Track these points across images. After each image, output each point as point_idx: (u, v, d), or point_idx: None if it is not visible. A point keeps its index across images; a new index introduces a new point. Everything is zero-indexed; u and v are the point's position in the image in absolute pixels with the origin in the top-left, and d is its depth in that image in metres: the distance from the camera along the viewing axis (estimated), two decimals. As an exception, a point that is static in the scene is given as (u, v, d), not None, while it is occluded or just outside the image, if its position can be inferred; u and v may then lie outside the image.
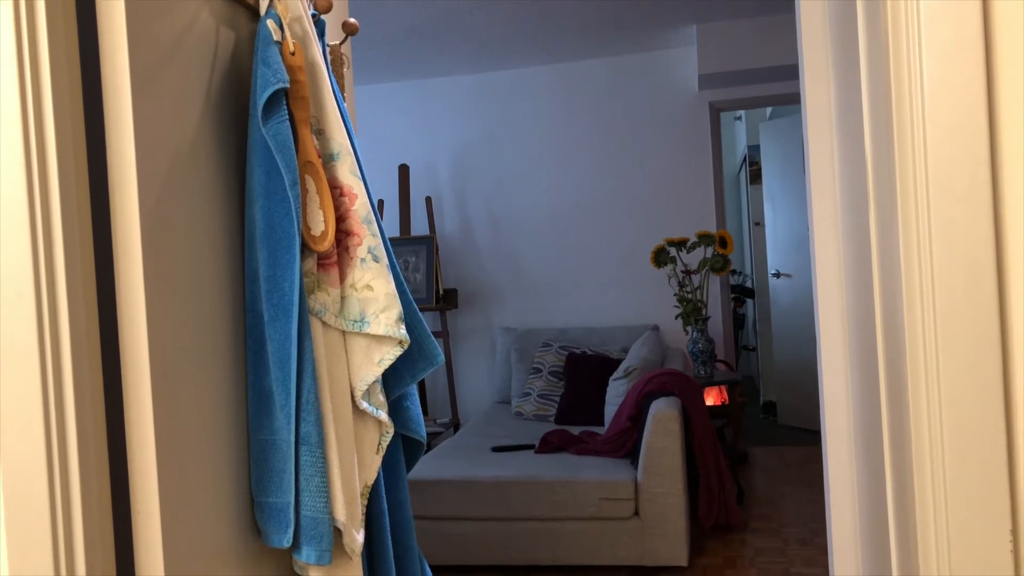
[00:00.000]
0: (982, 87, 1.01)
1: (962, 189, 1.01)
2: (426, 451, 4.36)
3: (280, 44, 1.31)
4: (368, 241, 1.40)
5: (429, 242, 5.04)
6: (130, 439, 1.10)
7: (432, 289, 4.96)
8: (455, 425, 5.10)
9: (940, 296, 1.03)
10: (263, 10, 1.36)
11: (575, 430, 4.26)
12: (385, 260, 1.41)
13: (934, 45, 1.03)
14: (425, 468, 3.61)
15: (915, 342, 1.06)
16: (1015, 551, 1.02)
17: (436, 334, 5.13)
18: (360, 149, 5.88)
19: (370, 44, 4.74)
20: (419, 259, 5.04)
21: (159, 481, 1.10)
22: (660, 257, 4.58)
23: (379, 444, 1.47)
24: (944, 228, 1.03)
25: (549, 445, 3.84)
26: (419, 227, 5.56)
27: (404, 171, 5.23)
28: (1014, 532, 1.01)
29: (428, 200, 5.21)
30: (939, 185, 1.03)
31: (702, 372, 4.48)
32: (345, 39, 1.62)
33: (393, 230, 5.60)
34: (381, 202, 5.34)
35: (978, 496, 1.03)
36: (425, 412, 5.35)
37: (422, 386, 5.34)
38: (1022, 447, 1.03)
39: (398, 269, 1.50)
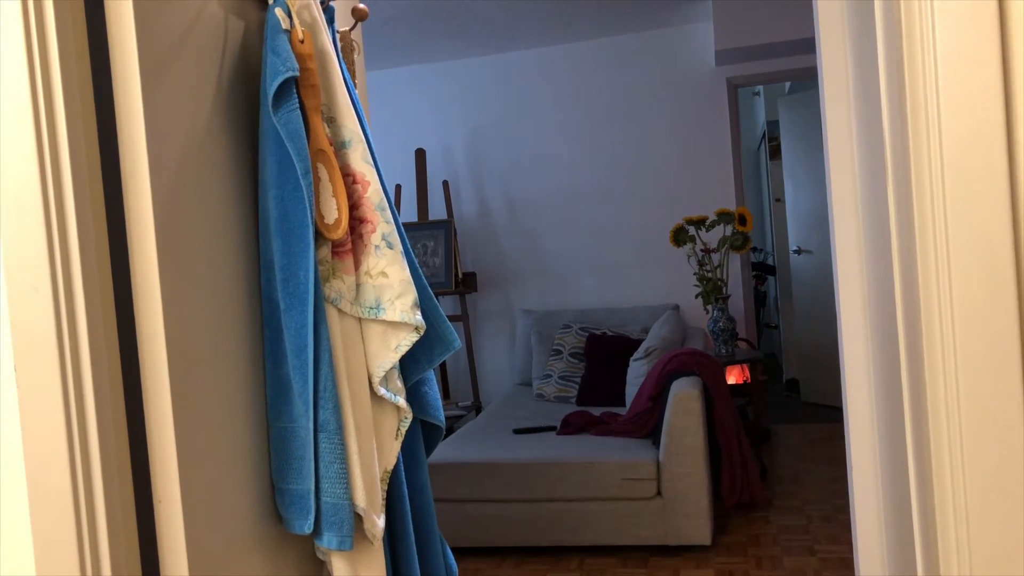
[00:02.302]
0: (997, 57, 0.99)
1: (978, 162, 1.00)
2: (448, 434, 4.38)
3: (289, 32, 1.31)
4: (382, 228, 1.40)
5: (447, 226, 5.04)
6: (150, 430, 1.11)
7: (451, 273, 4.97)
8: (476, 408, 5.12)
9: (956, 271, 1.02)
10: (271, -2, 1.35)
11: (596, 411, 4.26)
12: (399, 246, 1.41)
13: (948, 13, 1.01)
14: (447, 451, 3.63)
15: (931, 318, 1.04)
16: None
17: (456, 318, 5.14)
18: (376, 134, 5.81)
19: (383, 28, 4.72)
20: (437, 243, 5.04)
21: (180, 470, 1.12)
22: (679, 236, 4.55)
23: (398, 429, 1.48)
24: (960, 202, 1.01)
25: (570, 426, 3.84)
26: (437, 211, 5.56)
27: (421, 155, 5.23)
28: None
29: (445, 184, 5.21)
30: (953, 156, 1.01)
31: (723, 351, 4.46)
32: (355, 25, 1.62)
33: (411, 214, 5.60)
34: (399, 187, 5.34)
35: (997, 472, 1.02)
36: (446, 395, 5.37)
37: (443, 369, 5.36)
38: (1045, 423, 1.02)
39: (412, 255, 1.50)
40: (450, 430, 4.72)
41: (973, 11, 1.00)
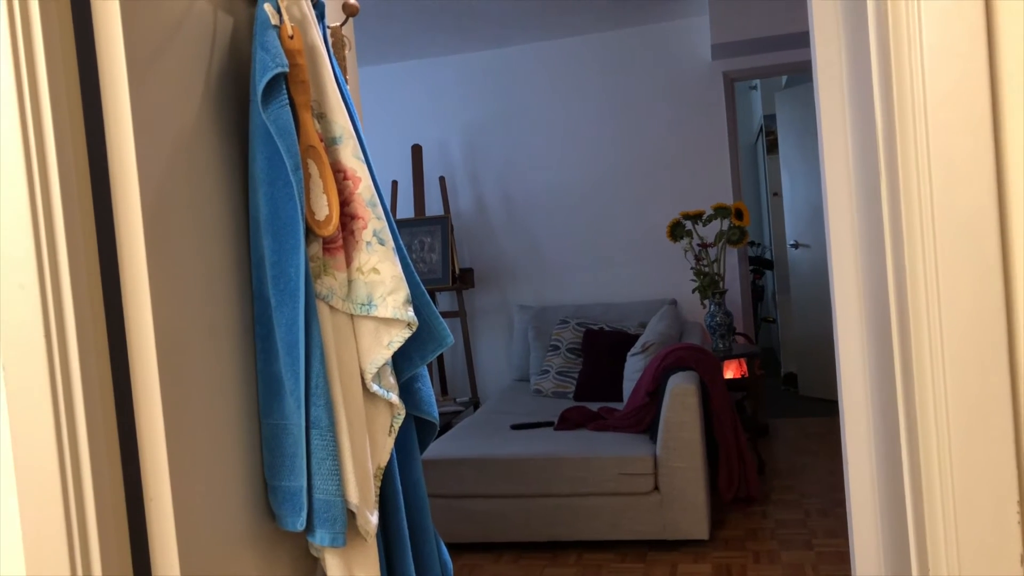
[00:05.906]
0: (982, 49, 0.98)
1: (964, 152, 0.99)
2: (446, 430, 4.38)
3: (278, 28, 1.30)
4: (373, 224, 1.39)
5: (444, 222, 5.03)
6: (140, 428, 1.11)
7: (448, 269, 4.96)
8: (474, 404, 5.12)
9: (943, 262, 1.01)
10: (260, -6, 1.34)
11: (594, 406, 4.26)
12: (391, 243, 1.41)
13: (934, 5, 1.00)
14: (445, 447, 3.62)
15: (919, 309, 1.04)
16: (1023, 519, 1.00)
17: (453, 314, 5.14)
18: (372, 130, 5.76)
19: (380, 23, 4.71)
20: (434, 239, 5.04)
21: (171, 469, 1.11)
22: (676, 231, 4.55)
23: (391, 426, 1.48)
24: (946, 192, 1.01)
25: (568, 422, 3.84)
26: (433, 207, 5.55)
27: (417, 151, 5.22)
28: (1021, 502, 1.00)
29: (442, 180, 5.20)
30: (940, 146, 1.00)
31: (720, 345, 4.46)
32: (345, 21, 1.61)
33: (407, 210, 5.59)
34: (395, 183, 5.33)
35: (985, 467, 1.01)
36: (444, 391, 5.37)
37: (441, 365, 5.36)
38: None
39: (404, 251, 1.50)
40: (448, 426, 4.72)
41: (959, 4, 0.99)
